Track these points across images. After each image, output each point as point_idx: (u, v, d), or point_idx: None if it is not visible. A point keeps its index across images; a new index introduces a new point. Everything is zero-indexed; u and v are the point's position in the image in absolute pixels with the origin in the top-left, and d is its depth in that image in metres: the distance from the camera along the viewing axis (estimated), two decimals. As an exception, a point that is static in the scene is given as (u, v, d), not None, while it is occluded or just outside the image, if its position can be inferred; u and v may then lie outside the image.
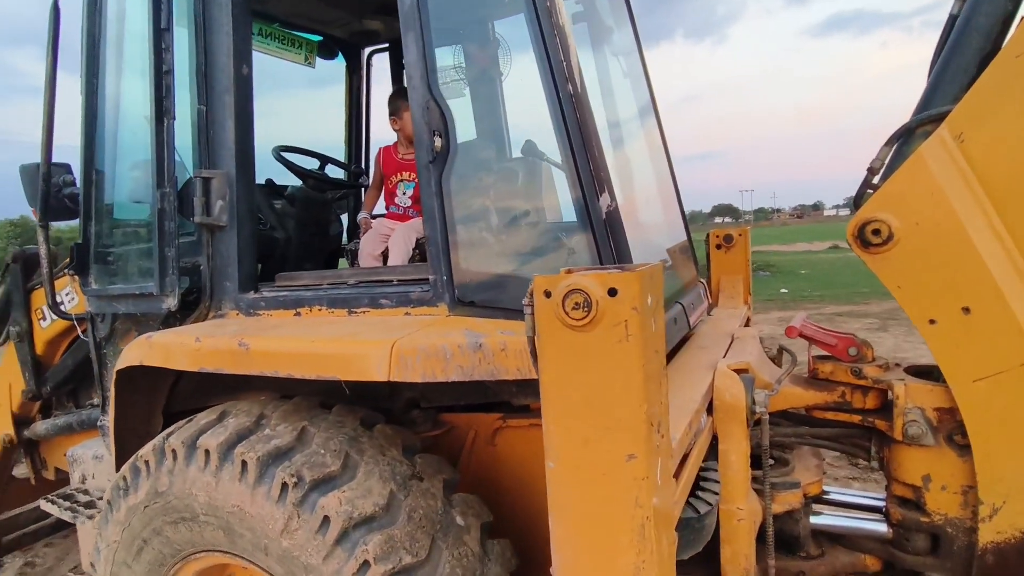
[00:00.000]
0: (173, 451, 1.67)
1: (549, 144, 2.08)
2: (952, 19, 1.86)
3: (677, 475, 1.45)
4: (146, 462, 1.74)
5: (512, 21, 2.30)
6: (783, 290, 14.56)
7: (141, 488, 1.74)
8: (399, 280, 1.74)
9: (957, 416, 1.76)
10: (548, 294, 1.09)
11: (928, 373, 1.95)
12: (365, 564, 1.37)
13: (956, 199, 1.69)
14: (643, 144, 2.64)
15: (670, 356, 2.23)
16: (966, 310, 1.70)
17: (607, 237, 1.68)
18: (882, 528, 1.99)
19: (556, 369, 1.11)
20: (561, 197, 1.84)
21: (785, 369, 2.13)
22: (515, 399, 1.75)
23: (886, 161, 1.92)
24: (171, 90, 1.93)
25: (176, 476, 1.65)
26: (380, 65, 3.57)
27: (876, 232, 1.78)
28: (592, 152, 1.69)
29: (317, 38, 3.26)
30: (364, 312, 1.72)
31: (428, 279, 1.63)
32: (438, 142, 1.57)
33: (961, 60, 1.77)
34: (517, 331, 1.48)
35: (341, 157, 3.46)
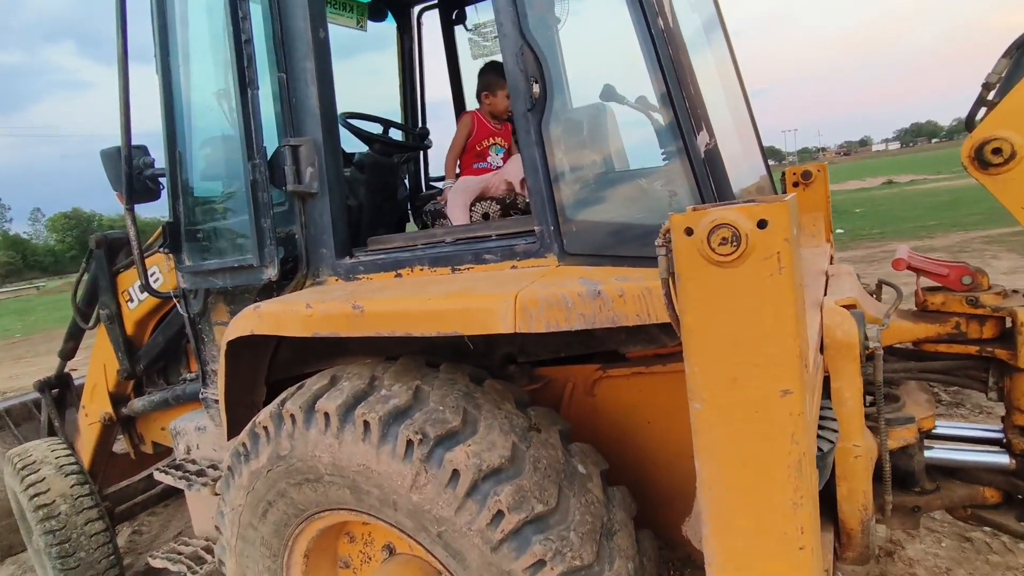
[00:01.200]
0: (292, 416, 1.72)
1: (629, 87, 2.01)
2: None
3: (806, 413, 1.42)
4: (265, 428, 1.80)
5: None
6: (839, 230, 14.04)
7: (263, 453, 1.80)
8: (499, 235, 1.72)
9: (1092, 339, 1.66)
10: (690, 231, 1.05)
11: (1052, 297, 1.85)
12: (499, 514, 1.40)
13: (1091, 107, 1.56)
14: (722, 80, 2.52)
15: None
16: (1103, 225, 1.58)
17: (707, 176, 1.61)
18: (1004, 459, 1.93)
19: (700, 308, 1.08)
20: (647, 141, 1.78)
21: (893, 303, 2.05)
22: (624, 347, 1.73)
23: (1003, 75, 1.78)
24: (253, 59, 1.92)
25: (297, 440, 1.71)
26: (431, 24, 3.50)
27: (997, 151, 1.66)
28: (688, 89, 1.61)
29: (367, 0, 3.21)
30: (468, 268, 1.72)
31: (534, 231, 1.61)
32: (536, 88, 1.53)
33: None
34: (632, 277, 1.45)
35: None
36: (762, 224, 0.99)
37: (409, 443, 1.50)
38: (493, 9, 1.58)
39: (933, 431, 2.14)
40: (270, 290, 2.07)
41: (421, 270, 1.79)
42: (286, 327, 1.70)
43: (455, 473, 1.44)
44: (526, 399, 1.74)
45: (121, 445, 3.93)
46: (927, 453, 2.04)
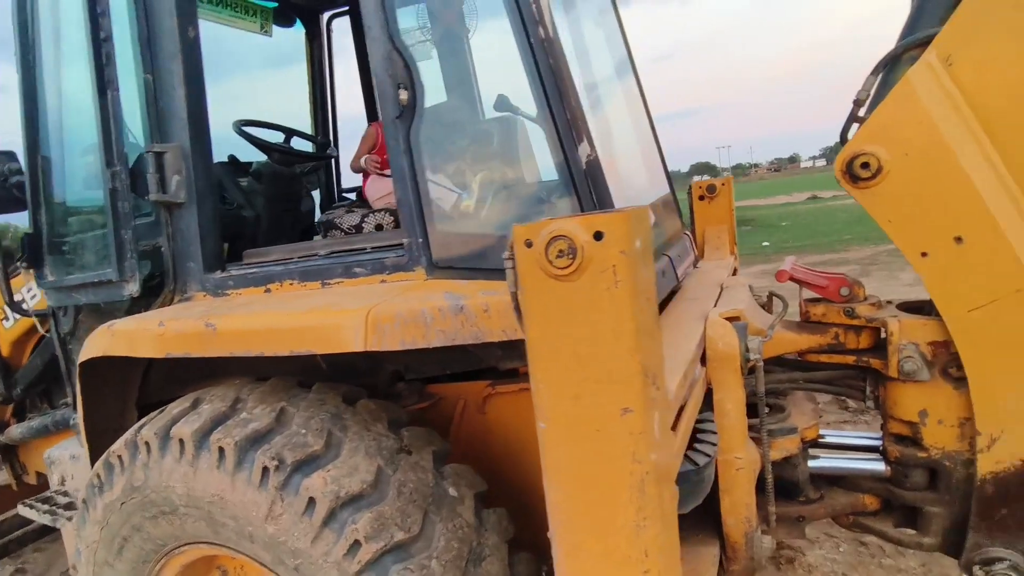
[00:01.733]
0: (146, 443, 1.58)
1: (523, 98, 1.98)
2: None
3: (675, 428, 1.40)
4: (119, 457, 1.65)
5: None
6: (765, 243, 14.63)
7: (116, 484, 1.66)
8: (373, 247, 1.64)
9: (951, 349, 1.73)
10: (529, 243, 1.01)
11: (919, 308, 1.92)
12: (356, 544, 1.31)
13: (946, 126, 1.63)
14: (622, 100, 2.54)
15: (660, 309, 2.18)
16: (959, 240, 1.65)
17: (588, 189, 1.60)
18: (880, 467, 1.98)
19: (542, 323, 1.04)
20: (539, 154, 1.75)
21: (777, 315, 2.09)
22: (501, 363, 1.68)
23: (872, 92, 1.84)
24: (112, 58, 1.79)
25: (151, 469, 1.57)
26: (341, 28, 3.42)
27: (865, 166, 1.72)
28: (568, 99, 1.60)
29: (273, 4, 3.10)
30: (338, 283, 1.63)
31: (402, 243, 1.54)
32: (403, 95, 1.47)
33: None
34: (500, 291, 1.40)
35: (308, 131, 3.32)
36: (598, 236, 0.96)
37: (265, 470, 1.40)
38: (362, 12, 1.52)
39: (820, 440, 2.19)
40: (138, 306, 1.93)
41: (291, 284, 1.70)
42: (139, 347, 1.57)
43: (311, 501, 1.35)
44: (404, 419, 1.66)
45: (3, 476, 3.61)
46: (812, 463, 2.08)
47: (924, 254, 1.70)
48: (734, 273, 3.01)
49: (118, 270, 1.81)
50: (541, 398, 1.07)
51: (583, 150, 1.61)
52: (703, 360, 1.81)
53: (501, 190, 1.71)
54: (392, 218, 2.28)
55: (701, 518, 1.92)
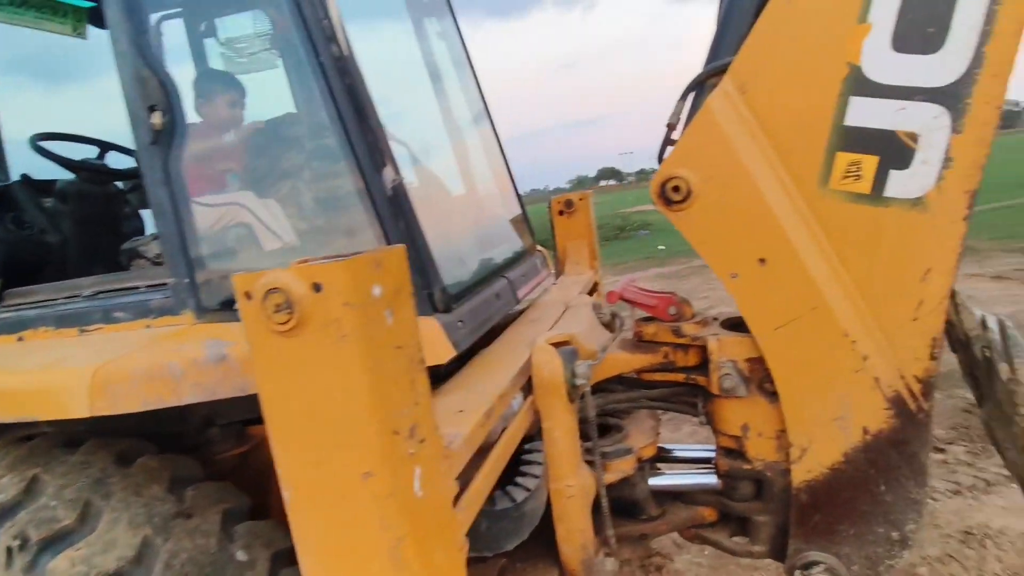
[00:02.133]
0: None
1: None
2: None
3: (473, 470, 1.34)
4: None
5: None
6: (661, 247, 15.25)
7: None
8: (141, 287, 1.47)
9: (765, 365, 1.78)
10: (249, 296, 0.90)
11: (741, 325, 1.98)
12: (106, 632, 1.15)
13: (743, 151, 1.68)
14: (460, 119, 2.48)
15: (499, 332, 2.13)
16: (762, 261, 1.70)
17: (394, 215, 1.51)
18: (713, 480, 2.03)
19: (273, 383, 0.93)
20: (340, 180, 1.65)
21: (612, 336, 2.09)
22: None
23: (682, 116, 1.88)
24: None
25: None
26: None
27: (676, 189, 1.74)
28: (367, 122, 1.51)
29: (89, 3, 2.80)
30: (98, 329, 1.45)
31: (166, 283, 1.39)
32: (156, 119, 1.32)
33: (740, 7, 1.75)
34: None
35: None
36: (317, 288, 0.86)
37: (9, 551, 1.20)
38: (107, 24, 1.35)
39: (663, 455, 2.22)
40: None
41: (46, 331, 1.49)
42: None
43: (55, 587, 1.17)
44: (194, 475, 1.50)
45: None
46: (653, 480, 2.10)
47: (734, 275, 1.75)
48: (594, 288, 3.04)
49: None
50: (282, 463, 0.96)
51: (387, 175, 1.52)
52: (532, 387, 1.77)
53: (293, 220, 1.59)
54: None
55: (543, 546, 1.88)
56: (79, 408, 1.12)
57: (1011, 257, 8.62)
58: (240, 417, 1.76)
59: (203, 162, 1.42)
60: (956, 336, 1.85)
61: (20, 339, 1.50)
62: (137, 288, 1.46)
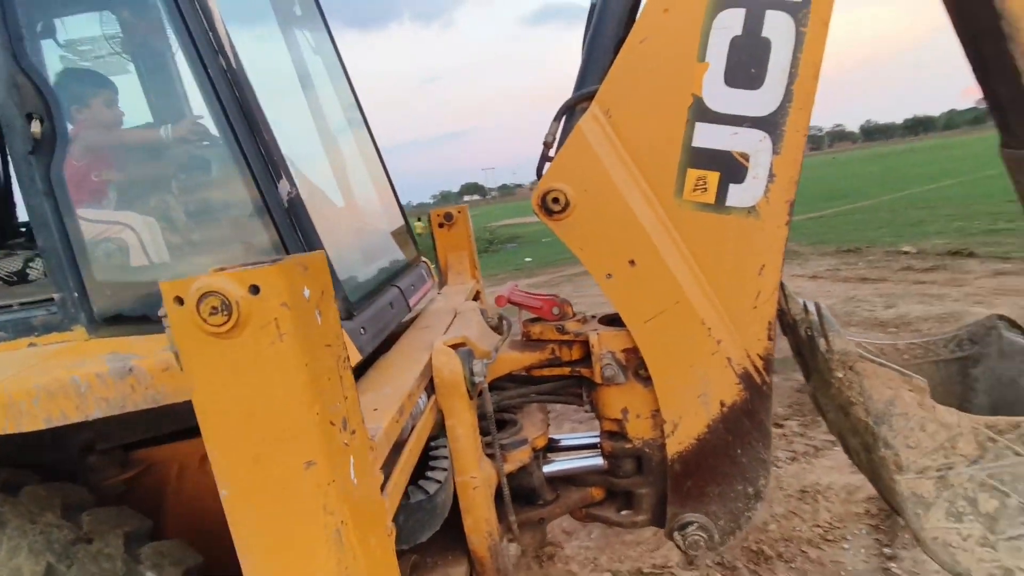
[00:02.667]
0: None
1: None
2: (593, 6, 2.09)
3: (391, 464, 1.41)
4: None
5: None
6: (527, 259, 15.88)
7: None
8: (20, 304, 1.38)
9: (638, 354, 2.03)
10: (180, 300, 0.93)
11: (616, 320, 2.23)
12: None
13: (611, 167, 1.91)
14: (342, 133, 2.53)
15: (394, 340, 2.20)
16: (632, 263, 1.95)
17: (292, 226, 1.55)
18: (599, 461, 2.24)
19: (207, 385, 0.96)
20: (237, 191, 1.65)
21: (502, 337, 2.25)
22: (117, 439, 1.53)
23: (557, 135, 2.10)
24: None
25: None
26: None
27: (556, 200, 1.94)
28: (261, 135, 1.53)
29: None
30: None
31: (52, 298, 1.32)
32: (36, 127, 1.26)
33: (601, 43, 2.00)
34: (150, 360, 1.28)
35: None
36: (255, 290, 0.92)
37: None
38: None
39: (553, 445, 2.41)
40: None
41: (-92, 355, 1.34)
42: None
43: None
44: (85, 501, 1.41)
45: None
46: (546, 467, 2.27)
47: (608, 276, 1.98)
48: (476, 296, 3.20)
49: None
50: (219, 463, 0.99)
51: (283, 188, 1.55)
52: (434, 388, 1.87)
53: (183, 231, 1.57)
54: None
55: (450, 538, 1.96)
56: None
57: (824, 259, 10.13)
58: (120, 441, 1.68)
59: (86, 171, 1.36)
60: (786, 321, 2.23)
61: None
62: (10, 306, 1.35)
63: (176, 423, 1.66)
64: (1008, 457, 1.78)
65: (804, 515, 3.30)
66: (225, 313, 0.91)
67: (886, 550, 2.94)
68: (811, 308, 2.06)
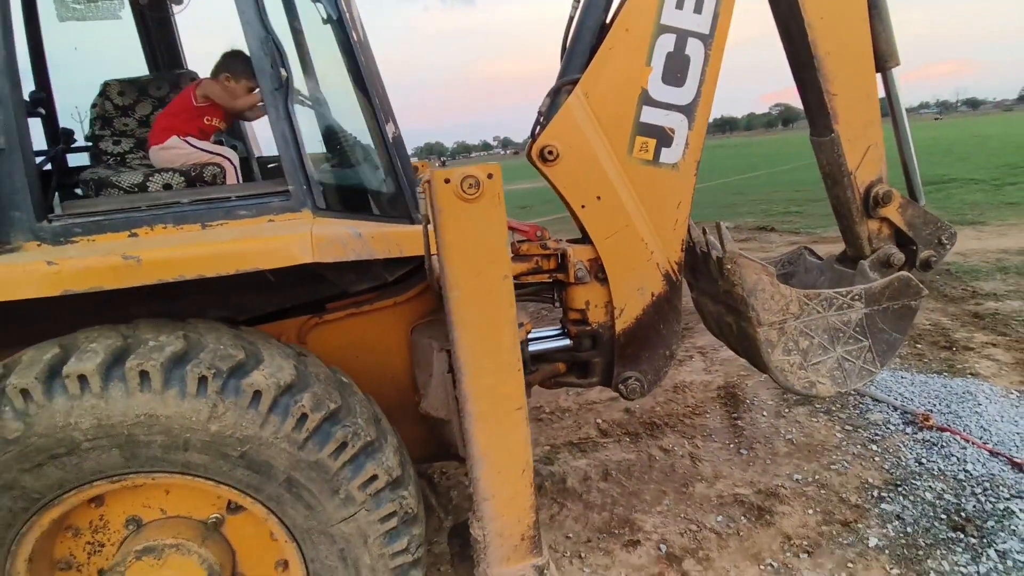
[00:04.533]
0: (23, 391, 1.57)
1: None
2: (571, 20, 2.95)
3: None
4: (-29, 418, 1.56)
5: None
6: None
7: (-31, 448, 1.56)
8: (251, 194, 1.94)
9: (600, 262, 2.96)
10: (448, 180, 1.67)
11: (579, 242, 3.15)
12: (303, 417, 1.72)
13: (588, 132, 2.81)
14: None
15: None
16: (599, 198, 2.87)
17: (395, 156, 2.25)
18: (566, 342, 3.16)
19: (456, 229, 1.71)
20: (362, 129, 2.30)
21: (503, 252, 3.07)
22: (352, 286, 2.19)
23: (546, 108, 2.95)
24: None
25: (36, 415, 1.58)
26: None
27: (550, 152, 2.79)
28: (377, 89, 2.21)
29: None
30: (222, 224, 1.87)
31: (288, 190, 1.91)
32: (281, 72, 1.85)
33: (580, 45, 2.87)
34: (364, 227, 1.97)
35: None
36: (490, 176, 1.69)
37: (202, 379, 1.65)
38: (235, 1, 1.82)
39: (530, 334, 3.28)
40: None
41: (164, 228, 1.84)
42: (20, 289, 1.55)
43: (257, 394, 1.68)
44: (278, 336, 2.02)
45: None
46: (530, 347, 3.14)
47: (583, 206, 2.88)
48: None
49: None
50: (454, 276, 1.74)
51: (390, 128, 2.25)
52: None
53: (350, 153, 2.18)
54: (182, 178, 2.39)
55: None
56: (304, 257, 1.63)
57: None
58: (248, 315, 2.23)
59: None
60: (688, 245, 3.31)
61: (133, 234, 1.78)
62: (246, 195, 1.90)
63: (281, 302, 2.23)
64: (814, 314, 3.01)
65: (677, 401, 4.55)
66: (476, 187, 1.67)
67: (733, 416, 4.26)
68: (710, 230, 3.15)
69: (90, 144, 2.88)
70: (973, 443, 3.50)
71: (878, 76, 3.07)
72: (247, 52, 1.84)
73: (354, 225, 1.91)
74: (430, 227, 1.76)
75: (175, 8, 3.22)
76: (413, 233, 2.11)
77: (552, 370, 3.22)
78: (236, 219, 1.89)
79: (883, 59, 3.03)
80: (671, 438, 4.01)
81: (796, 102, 3.44)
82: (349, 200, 2.06)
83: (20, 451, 1.58)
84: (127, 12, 3.22)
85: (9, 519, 1.64)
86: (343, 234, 1.79)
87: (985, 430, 3.61)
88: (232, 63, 2.89)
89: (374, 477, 1.81)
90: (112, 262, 1.59)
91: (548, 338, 3.35)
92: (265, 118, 2.21)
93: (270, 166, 3.31)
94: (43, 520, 1.69)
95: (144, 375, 1.61)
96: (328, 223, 1.89)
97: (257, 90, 2.54)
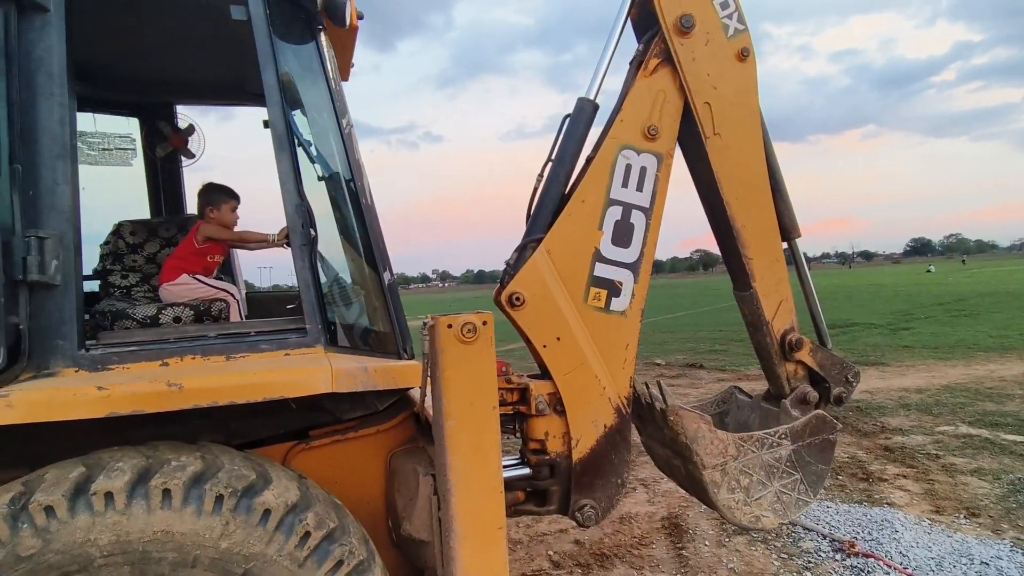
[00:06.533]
0: (48, 508, 1.68)
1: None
2: (535, 190, 3.53)
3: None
4: (-10, 535, 1.64)
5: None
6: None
7: (-18, 566, 1.63)
8: (272, 330, 2.20)
9: (558, 395, 3.29)
10: (450, 326, 2.02)
11: (539, 377, 3.49)
12: (307, 535, 1.87)
13: (550, 282, 3.26)
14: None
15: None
16: (558, 339, 3.28)
17: (391, 301, 2.60)
18: (526, 471, 3.38)
19: (455, 368, 2.03)
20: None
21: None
22: (346, 413, 2.41)
23: (514, 260, 3.42)
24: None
25: (57, 532, 1.68)
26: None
27: (517, 299, 3.21)
28: (380, 244, 2.60)
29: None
30: (244, 356, 2.11)
31: (305, 328, 2.20)
32: (312, 232, 2.22)
33: (544, 209, 3.42)
34: (366, 360, 2.26)
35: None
36: (485, 322, 2.05)
37: (219, 498, 1.80)
38: (278, 171, 2.22)
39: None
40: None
41: (192, 359, 2.06)
42: (70, 411, 1.71)
43: (266, 513, 1.84)
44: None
45: None
46: (492, 476, 3.33)
47: (544, 346, 3.27)
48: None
49: (-16, 345, 1.75)
50: (451, 406, 2.03)
51: (386, 276, 2.62)
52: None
53: (357, 297, 2.51)
54: (191, 311, 2.62)
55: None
56: (324, 388, 1.86)
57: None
58: (239, 440, 2.40)
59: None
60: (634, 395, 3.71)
61: (164, 364, 1.97)
62: (248, 333, 2.16)
63: (268, 430, 2.42)
64: (750, 454, 3.39)
65: (624, 532, 4.71)
66: (473, 331, 2.02)
67: (677, 546, 4.45)
68: (653, 384, 3.56)
69: (97, 277, 3.10)
70: (895, 568, 3.83)
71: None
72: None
73: (358, 360, 2.19)
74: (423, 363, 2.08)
75: (186, 161, 3.63)
76: (405, 367, 2.40)
77: (512, 498, 3.39)
78: (257, 352, 2.13)
79: (787, 231, 3.73)
80: (620, 569, 4.13)
81: (714, 247, 4.07)
82: (352, 337, 2.36)
83: (31, 569, 1.65)
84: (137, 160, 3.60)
85: (4, 643, 1.65)
86: (354, 368, 2.07)
87: (904, 555, 3.96)
88: (208, 196, 3.27)
89: (364, 596, 1.94)
90: (158, 388, 1.79)
91: (509, 467, 3.56)
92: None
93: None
94: (37, 644, 1.70)
95: (166, 493, 1.75)
96: (337, 357, 2.16)
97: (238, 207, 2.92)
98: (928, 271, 66.65)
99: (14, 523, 1.66)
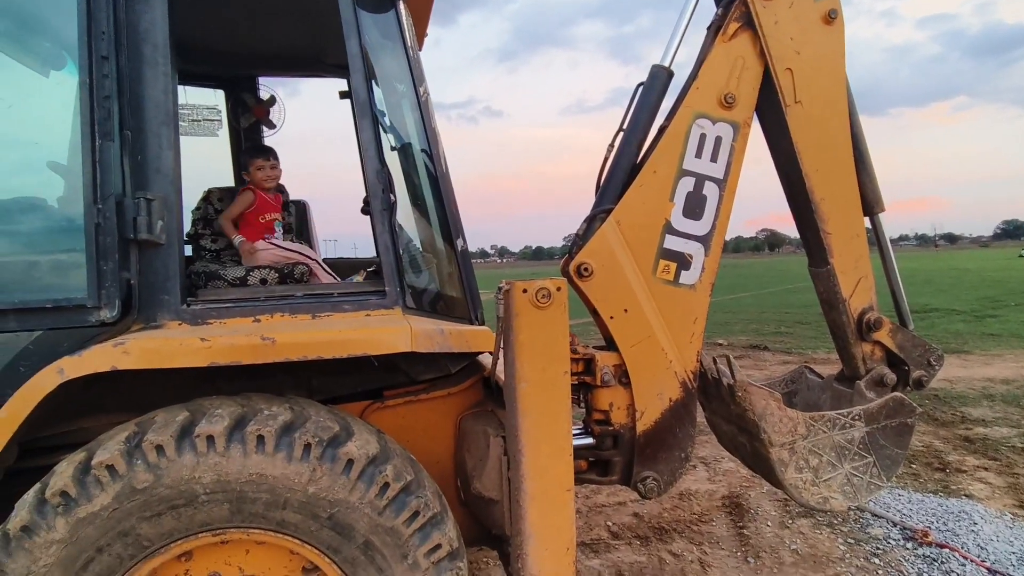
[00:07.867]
0: (158, 447, 1.84)
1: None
2: (605, 160, 3.49)
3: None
4: (109, 468, 1.82)
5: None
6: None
7: (102, 495, 1.81)
8: (354, 292, 2.31)
9: (624, 367, 3.29)
10: (525, 291, 2.05)
11: (607, 348, 3.49)
12: (386, 485, 1.98)
13: (620, 255, 3.24)
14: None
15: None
16: (626, 310, 3.26)
17: (464, 266, 2.65)
18: (589, 440, 3.41)
19: (528, 331, 2.07)
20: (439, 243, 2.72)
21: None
22: (422, 374, 2.51)
23: (582, 231, 3.41)
24: (112, 114, 2.02)
25: (166, 468, 1.84)
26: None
27: (586, 269, 3.21)
28: (454, 211, 2.65)
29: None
30: (328, 315, 2.22)
31: (384, 290, 2.29)
32: (392, 197, 2.29)
33: (615, 179, 3.39)
34: (443, 325, 2.33)
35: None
36: (559, 288, 2.07)
37: (307, 446, 1.92)
38: (358, 139, 2.29)
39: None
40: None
41: (282, 316, 2.19)
42: (176, 359, 1.86)
43: (350, 462, 1.95)
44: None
45: None
46: (555, 444, 3.39)
47: (612, 317, 3.27)
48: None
49: (97, 296, 1.93)
50: (524, 370, 2.08)
51: (459, 243, 2.67)
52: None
53: (431, 263, 2.59)
54: (276, 274, 2.77)
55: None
56: (404, 347, 1.96)
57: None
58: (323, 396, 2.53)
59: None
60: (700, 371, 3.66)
61: (257, 320, 2.12)
62: (331, 294, 2.27)
63: (345, 387, 2.54)
64: (820, 434, 3.30)
65: (684, 508, 4.70)
66: (548, 297, 2.04)
67: (738, 524, 4.41)
68: (720, 360, 3.50)
69: (189, 241, 3.31)
70: (972, 560, 3.67)
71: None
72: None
73: (434, 322, 2.27)
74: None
75: (267, 132, 3.78)
76: (478, 332, 2.46)
77: (575, 467, 3.43)
78: (340, 312, 2.24)
79: (870, 205, 3.55)
80: (680, 543, 4.14)
81: (781, 228, 3.92)
82: (426, 301, 2.43)
83: (144, 500, 1.82)
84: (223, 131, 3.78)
85: (115, 566, 1.83)
86: (431, 329, 2.14)
87: (982, 548, 3.78)
88: (250, 154, 3.35)
89: (438, 546, 2.04)
90: (253, 342, 1.92)
91: (573, 436, 3.61)
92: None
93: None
94: (142, 570, 1.89)
95: (260, 439, 1.88)
96: (415, 319, 2.24)
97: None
98: (1021, 256, 61.78)
99: (130, 459, 1.82)
